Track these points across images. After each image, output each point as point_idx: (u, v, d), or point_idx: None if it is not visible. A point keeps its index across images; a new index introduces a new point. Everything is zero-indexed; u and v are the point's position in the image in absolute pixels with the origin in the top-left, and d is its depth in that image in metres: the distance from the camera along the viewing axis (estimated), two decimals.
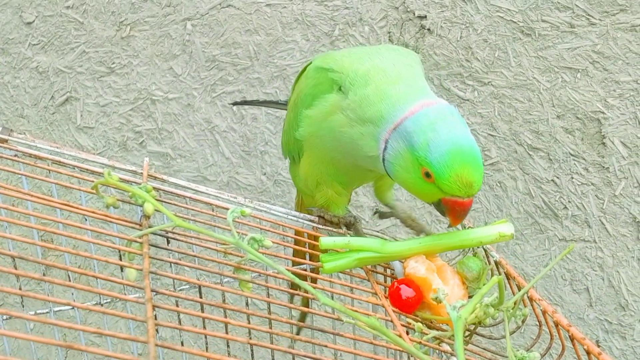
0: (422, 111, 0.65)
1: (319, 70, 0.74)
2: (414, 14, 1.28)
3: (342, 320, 0.58)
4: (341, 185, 0.82)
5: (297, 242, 0.83)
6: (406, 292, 0.70)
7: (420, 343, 0.64)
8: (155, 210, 0.64)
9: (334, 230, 0.83)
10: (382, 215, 0.89)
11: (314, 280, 0.81)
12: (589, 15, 1.22)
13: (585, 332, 1.31)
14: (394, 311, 0.68)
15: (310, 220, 0.85)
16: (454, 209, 0.66)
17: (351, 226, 0.82)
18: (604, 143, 1.25)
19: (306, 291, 0.57)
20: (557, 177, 1.27)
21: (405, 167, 0.66)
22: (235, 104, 1.09)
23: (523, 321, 0.70)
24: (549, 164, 1.27)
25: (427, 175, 0.64)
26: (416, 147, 0.64)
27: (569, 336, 0.66)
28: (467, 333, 0.74)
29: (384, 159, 0.68)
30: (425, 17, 1.28)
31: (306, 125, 0.75)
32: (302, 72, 0.81)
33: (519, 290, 0.75)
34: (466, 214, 0.68)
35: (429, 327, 0.68)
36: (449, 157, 0.63)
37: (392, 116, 0.67)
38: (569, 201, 1.28)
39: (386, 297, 0.71)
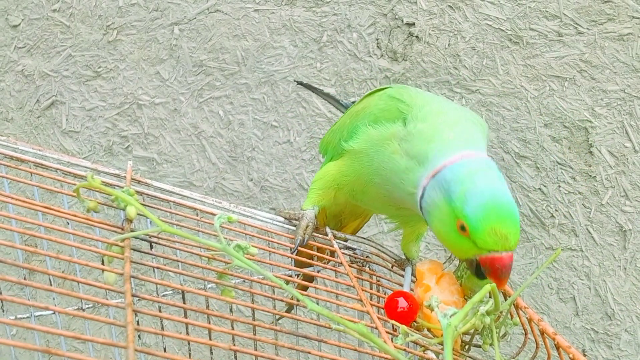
0: (461, 162, 0.66)
1: (392, 99, 0.76)
2: (402, 21, 1.28)
3: (328, 327, 0.57)
4: (352, 199, 0.84)
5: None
6: (402, 304, 0.70)
7: (405, 350, 0.64)
8: (139, 214, 0.63)
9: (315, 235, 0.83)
10: (400, 266, 0.88)
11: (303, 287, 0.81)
12: (577, 24, 1.22)
13: (571, 341, 1.31)
14: (379, 318, 0.67)
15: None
16: (493, 267, 0.63)
17: (297, 220, 0.82)
18: (591, 152, 1.25)
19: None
20: (544, 186, 1.27)
21: (441, 218, 0.66)
22: (300, 83, 1.09)
23: (504, 335, 0.70)
24: (536, 172, 1.27)
25: (462, 228, 0.63)
26: (453, 197, 0.63)
27: (555, 344, 0.65)
28: (466, 346, 0.73)
29: (421, 207, 0.68)
30: (414, 24, 1.28)
31: (362, 141, 0.77)
32: (378, 90, 0.82)
33: (505, 297, 0.75)
34: (508, 273, 0.64)
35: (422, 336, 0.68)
36: (486, 210, 0.62)
37: (434, 160, 0.67)
38: (555, 210, 1.28)
39: (372, 305, 0.71)
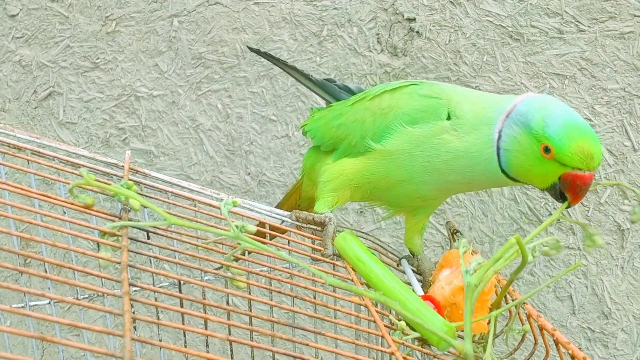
0: (529, 97, 0.70)
1: (428, 98, 0.77)
2: (403, 16, 1.27)
3: (324, 319, 0.57)
4: (370, 196, 0.84)
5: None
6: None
7: (403, 344, 0.63)
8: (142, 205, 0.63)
9: (314, 228, 0.82)
10: (408, 261, 0.88)
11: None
12: (578, 22, 1.22)
13: (568, 339, 1.30)
14: (377, 311, 0.67)
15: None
16: (574, 184, 0.66)
17: (323, 226, 0.81)
18: None
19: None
20: None
21: (522, 150, 0.68)
22: (253, 50, 1.02)
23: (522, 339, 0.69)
24: None
25: (546, 150, 0.66)
26: (532, 125, 0.67)
27: (554, 341, 0.65)
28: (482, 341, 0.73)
29: (498, 152, 0.70)
30: (414, 19, 1.27)
31: (401, 141, 0.77)
32: (400, 88, 0.81)
33: (508, 300, 0.75)
34: (586, 191, 0.67)
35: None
36: (568, 129, 0.65)
37: (501, 110, 0.71)
38: (554, 208, 1.27)
39: (369, 298, 0.70)
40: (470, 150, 0.72)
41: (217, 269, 0.68)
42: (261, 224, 0.80)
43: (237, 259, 0.64)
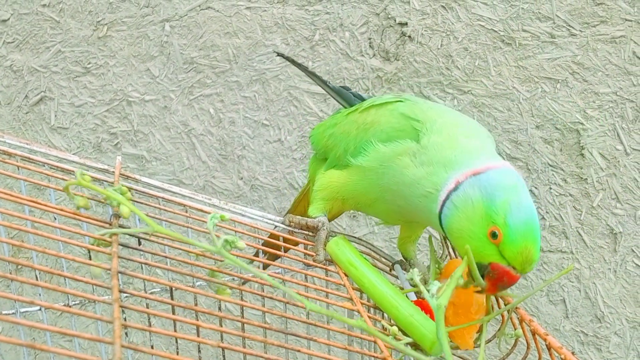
0: (505, 169, 0.65)
1: (405, 118, 0.74)
2: (395, 20, 1.27)
3: (319, 325, 0.57)
4: (357, 210, 0.84)
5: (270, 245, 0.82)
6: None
7: (395, 349, 0.63)
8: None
9: (306, 233, 0.82)
10: (401, 266, 0.88)
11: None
12: (569, 26, 1.22)
13: (560, 344, 1.30)
14: (369, 317, 0.67)
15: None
16: (500, 278, 0.63)
17: (315, 231, 0.81)
18: (582, 154, 1.25)
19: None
20: (535, 187, 1.27)
21: (470, 217, 0.63)
22: (281, 55, 0.99)
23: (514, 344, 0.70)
24: (528, 174, 1.27)
25: (494, 235, 0.62)
26: (496, 202, 0.62)
27: (546, 345, 0.65)
28: (477, 341, 0.73)
29: (445, 201, 0.66)
30: (406, 24, 1.27)
31: (372, 158, 0.75)
32: (387, 103, 0.80)
33: (499, 305, 0.75)
34: (505, 289, 0.65)
35: None
36: (527, 228, 0.61)
37: (470, 163, 0.66)
38: (546, 212, 1.27)
39: (362, 303, 0.70)
40: (418, 182, 0.69)
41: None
42: (275, 236, 0.80)
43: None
